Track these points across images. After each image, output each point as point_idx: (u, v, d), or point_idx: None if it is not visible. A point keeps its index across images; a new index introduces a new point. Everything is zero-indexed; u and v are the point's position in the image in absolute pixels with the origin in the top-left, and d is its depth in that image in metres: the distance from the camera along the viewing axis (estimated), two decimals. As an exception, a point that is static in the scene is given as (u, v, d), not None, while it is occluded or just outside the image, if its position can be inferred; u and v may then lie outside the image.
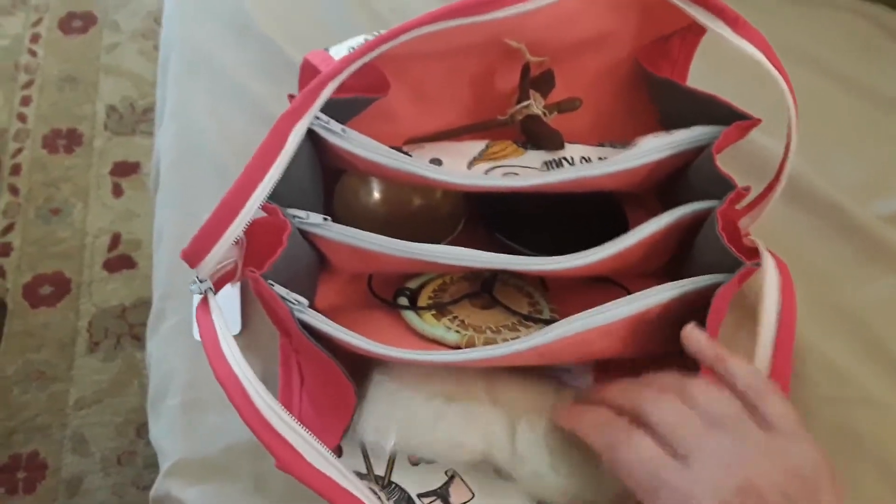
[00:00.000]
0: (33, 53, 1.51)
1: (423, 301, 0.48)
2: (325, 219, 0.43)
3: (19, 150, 1.39)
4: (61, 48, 1.52)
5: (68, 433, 1.14)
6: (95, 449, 1.12)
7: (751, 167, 0.57)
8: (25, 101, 1.45)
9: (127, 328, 1.22)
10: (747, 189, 0.44)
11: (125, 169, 1.37)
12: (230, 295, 0.53)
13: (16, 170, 1.37)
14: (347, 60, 0.41)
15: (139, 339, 1.21)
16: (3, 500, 1.09)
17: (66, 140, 1.40)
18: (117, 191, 1.35)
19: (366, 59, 0.42)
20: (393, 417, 0.41)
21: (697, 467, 0.34)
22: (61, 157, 1.39)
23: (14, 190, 1.35)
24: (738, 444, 0.35)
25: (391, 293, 0.50)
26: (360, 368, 0.44)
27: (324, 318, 0.40)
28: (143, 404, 1.13)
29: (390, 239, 0.42)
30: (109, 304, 1.24)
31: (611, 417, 0.38)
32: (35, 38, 1.53)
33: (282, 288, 0.40)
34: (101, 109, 1.44)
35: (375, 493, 0.37)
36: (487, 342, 0.43)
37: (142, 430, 1.14)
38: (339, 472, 0.36)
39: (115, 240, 1.30)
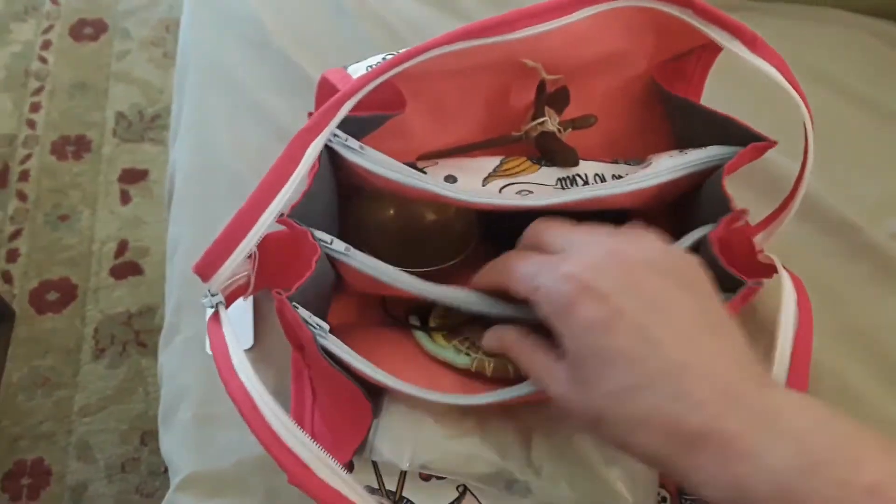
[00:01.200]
0: (44, 60, 1.52)
1: (434, 317, 0.48)
2: (347, 248, 0.43)
3: (28, 157, 1.40)
4: (72, 55, 1.53)
5: (73, 440, 1.14)
6: (100, 456, 1.13)
7: (765, 185, 0.57)
8: (35, 108, 1.46)
9: (133, 335, 1.22)
10: (744, 211, 0.44)
11: (133, 176, 1.38)
12: (243, 308, 0.53)
13: (24, 176, 1.37)
14: (365, 79, 0.41)
15: (145, 346, 1.21)
16: (7, 506, 1.09)
17: (74, 146, 1.41)
18: (125, 198, 1.35)
19: (383, 78, 0.42)
20: (407, 435, 0.42)
21: (573, 251, 0.36)
22: (70, 164, 1.39)
23: (22, 196, 1.35)
24: (612, 234, 0.37)
25: (402, 308, 0.50)
26: (370, 385, 0.44)
27: (346, 347, 0.40)
28: (147, 411, 1.14)
29: (413, 277, 0.43)
30: (115, 311, 1.24)
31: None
32: (46, 45, 1.54)
33: (305, 311, 0.41)
34: (111, 116, 1.45)
35: None
36: (497, 368, 0.44)
37: (146, 437, 1.14)
38: (351, 488, 0.36)
39: (123, 247, 1.30)
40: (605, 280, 0.33)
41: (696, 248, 0.46)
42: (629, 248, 0.35)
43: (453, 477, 0.43)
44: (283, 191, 0.39)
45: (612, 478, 0.42)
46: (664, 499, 0.45)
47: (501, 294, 0.42)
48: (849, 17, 0.72)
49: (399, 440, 0.41)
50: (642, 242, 0.36)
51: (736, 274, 0.42)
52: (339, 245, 0.43)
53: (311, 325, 0.40)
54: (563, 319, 0.33)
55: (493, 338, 0.41)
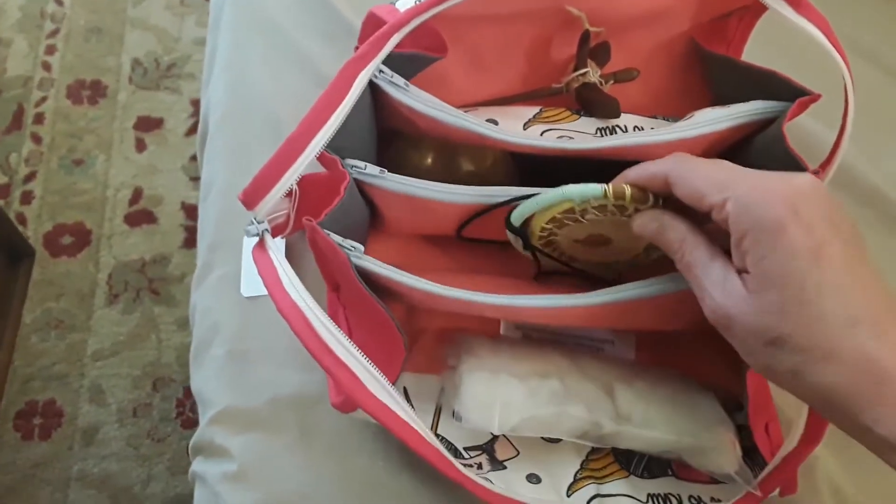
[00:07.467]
0: (60, 2, 1.50)
1: None
2: (382, 171, 0.43)
3: (43, 99, 1.39)
4: (88, -2, 1.51)
5: (85, 383, 1.15)
6: (112, 400, 1.14)
7: (798, 150, 0.57)
8: (50, 50, 1.44)
9: (146, 282, 1.22)
10: (818, 172, 0.44)
11: (149, 124, 1.37)
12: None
13: (39, 118, 1.37)
14: (416, 11, 0.41)
15: (158, 294, 1.21)
16: (19, 444, 1.10)
17: (90, 91, 1.40)
18: (140, 145, 1.35)
19: (434, 11, 0.41)
20: (494, 401, 0.42)
21: (771, 173, 0.35)
22: (85, 109, 1.38)
23: (37, 139, 1.35)
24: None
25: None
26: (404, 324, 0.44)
27: (381, 263, 0.40)
28: (160, 359, 1.15)
29: (449, 185, 0.43)
30: (129, 258, 1.25)
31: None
32: (62, -13, 1.52)
33: (337, 236, 0.41)
34: (126, 62, 1.44)
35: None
36: (635, 196, 0.40)
37: (158, 383, 1.15)
38: (397, 402, 0.36)
39: (137, 194, 1.30)
40: (814, 209, 0.32)
41: None
42: (824, 186, 0.34)
43: (544, 435, 0.44)
44: (333, 118, 0.39)
45: (711, 405, 0.43)
46: None
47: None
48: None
49: (486, 406, 0.42)
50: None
51: None
52: (373, 169, 0.43)
53: (345, 247, 0.40)
54: (766, 240, 0.32)
55: (653, 220, 0.39)
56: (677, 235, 0.37)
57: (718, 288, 0.34)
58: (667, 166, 0.37)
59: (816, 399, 0.32)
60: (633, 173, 0.39)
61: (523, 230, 0.45)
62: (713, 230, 0.36)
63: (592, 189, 0.39)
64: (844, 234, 0.33)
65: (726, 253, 0.35)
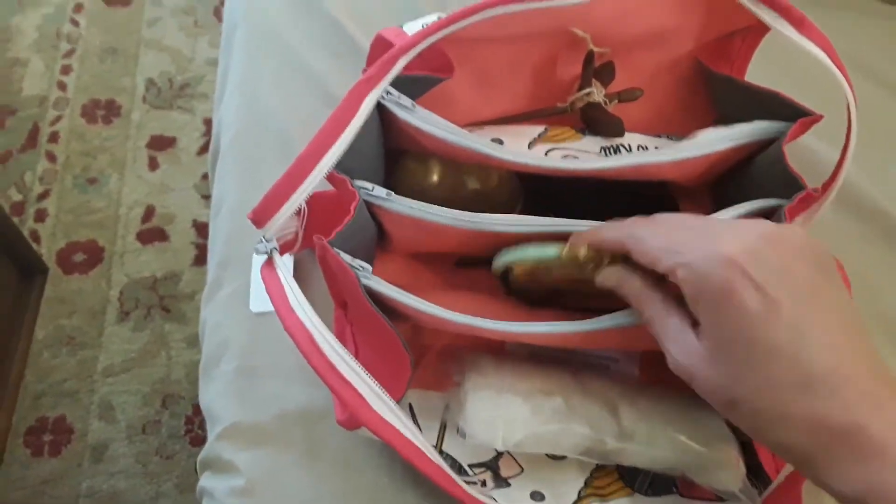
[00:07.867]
0: (76, 23, 1.53)
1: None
2: (389, 193, 0.44)
3: (58, 118, 1.41)
4: (104, 19, 1.54)
5: (95, 399, 1.16)
6: (121, 417, 1.14)
7: (800, 168, 0.57)
8: (66, 70, 1.47)
9: (157, 300, 1.23)
10: (817, 190, 0.44)
11: (162, 143, 1.39)
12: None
13: (54, 137, 1.39)
14: (423, 35, 0.42)
15: (169, 312, 1.22)
16: (29, 461, 1.11)
17: (104, 111, 1.42)
18: (153, 164, 1.37)
19: (440, 34, 0.42)
20: (498, 418, 0.42)
21: (723, 229, 0.35)
22: (99, 128, 1.40)
23: (52, 157, 1.37)
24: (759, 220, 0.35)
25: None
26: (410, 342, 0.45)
27: (389, 284, 0.41)
28: (170, 375, 1.16)
29: (455, 211, 0.43)
30: (141, 276, 1.26)
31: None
32: (78, 8, 1.55)
33: (347, 255, 0.41)
34: (141, 83, 1.46)
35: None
36: (591, 256, 0.41)
37: (168, 401, 1.16)
38: (401, 421, 0.37)
39: (149, 212, 1.32)
40: (766, 266, 0.32)
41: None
42: (781, 230, 0.34)
43: (548, 452, 0.44)
44: (342, 138, 0.40)
45: (715, 422, 0.44)
46: None
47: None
48: (864, 4, 0.72)
49: (490, 423, 0.42)
50: (790, 227, 0.35)
51: None
52: (380, 191, 0.44)
53: (354, 267, 0.41)
54: (715, 305, 0.32)
55: (611, 276, 0.39)
56: (634, 291, 0.37)
57: (677, 344, 0.34)
58: (622, 233, 0.38)
59: (778, 454, 0.33)
60: (587, 237, 0.40)
61: (505, 276, 0.47)
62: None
63: (548, 252, 0.41)
64: (803, 284, 0.32)
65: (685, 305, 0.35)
